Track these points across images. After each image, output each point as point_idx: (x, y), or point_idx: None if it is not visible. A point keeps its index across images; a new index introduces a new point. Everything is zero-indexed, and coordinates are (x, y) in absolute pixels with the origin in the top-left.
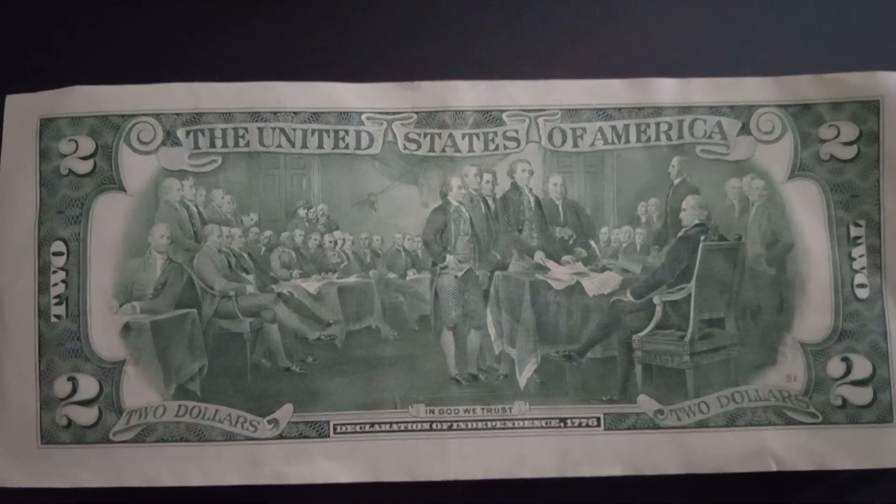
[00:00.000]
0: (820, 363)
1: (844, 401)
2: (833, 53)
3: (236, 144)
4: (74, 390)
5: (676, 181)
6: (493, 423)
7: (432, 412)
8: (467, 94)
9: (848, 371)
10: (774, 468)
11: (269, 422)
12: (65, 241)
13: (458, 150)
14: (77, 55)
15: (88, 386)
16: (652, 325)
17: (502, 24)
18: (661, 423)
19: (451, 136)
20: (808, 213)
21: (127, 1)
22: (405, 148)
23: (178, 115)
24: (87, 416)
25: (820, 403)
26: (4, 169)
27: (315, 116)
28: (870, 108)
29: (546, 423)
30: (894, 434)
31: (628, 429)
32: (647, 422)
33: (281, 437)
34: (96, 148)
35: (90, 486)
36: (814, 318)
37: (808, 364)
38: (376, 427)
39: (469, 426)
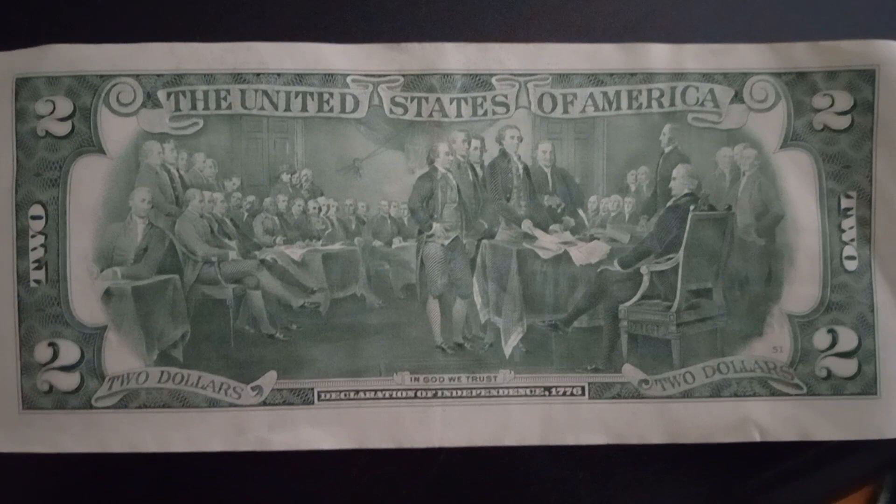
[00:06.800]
0: (806, 335)
1: (829, 372)
2: (829, 21)
3: (218, 107)
4: (55, 356)
5: (667, 149)
6: (478, 392)
7: (417, 380)
8: (455, 56)
9: (834, 343)
10: (758, 438)
11: (252, 388)
12: (43, 205)
13: (445, 115)
14: (54, 12)
15: (69, 352)
16: (639, 294)
17: None
18: (646, 393)
19: (438, 100)
20: (799, 183)
21: None
22: (391, 112)
23: (158, 75)
24: (68, 381)
25: (805, 375)
26: None
27: (299, 78)
28: (865, 77)
29: (531, 391)
30: (878, 406)
31: (613, 398)
32: (631, 391)
33: (265, 403)
34: (74, 109)
35: (72, 452)
36: (801, 290)
37: (794, 335)
38: (361, 394)
39: (454, 394)
